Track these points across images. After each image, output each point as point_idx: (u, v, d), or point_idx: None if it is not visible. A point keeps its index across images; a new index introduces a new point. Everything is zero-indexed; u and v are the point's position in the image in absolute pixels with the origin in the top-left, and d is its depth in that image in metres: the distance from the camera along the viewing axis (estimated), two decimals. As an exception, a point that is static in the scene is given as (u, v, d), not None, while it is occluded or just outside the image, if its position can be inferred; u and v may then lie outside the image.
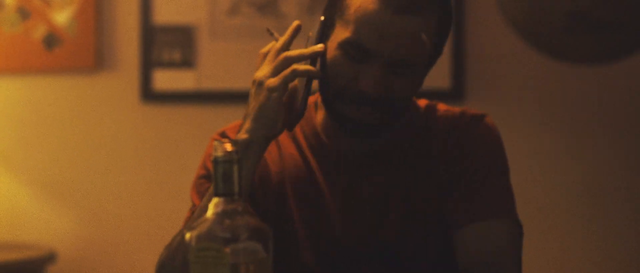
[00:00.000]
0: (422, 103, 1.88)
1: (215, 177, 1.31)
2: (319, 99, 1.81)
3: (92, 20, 3.63)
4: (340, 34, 1.70)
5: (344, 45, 1.69)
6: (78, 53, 3.63)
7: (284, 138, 1.85)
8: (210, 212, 1.31)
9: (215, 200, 1.31)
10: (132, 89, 3.66)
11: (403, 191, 1.80)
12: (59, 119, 3.67)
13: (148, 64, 3.64)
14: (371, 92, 1.68)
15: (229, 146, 1.31)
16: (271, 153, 1.84)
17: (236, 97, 3.62)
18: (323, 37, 1.73)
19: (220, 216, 1.30)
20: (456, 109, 1.86)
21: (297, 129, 1.85)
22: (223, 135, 1.85)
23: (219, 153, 1.31)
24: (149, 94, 3.65)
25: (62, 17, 3.64)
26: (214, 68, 3.64)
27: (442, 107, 1.86)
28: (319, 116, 1.84)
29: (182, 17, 3.63)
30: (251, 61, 3.63)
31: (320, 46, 1.71)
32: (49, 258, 3.48)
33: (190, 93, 3.64)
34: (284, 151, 1.84)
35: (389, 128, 1.78)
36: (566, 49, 3.20)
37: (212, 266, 1.28)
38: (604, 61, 3.32)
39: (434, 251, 1.80)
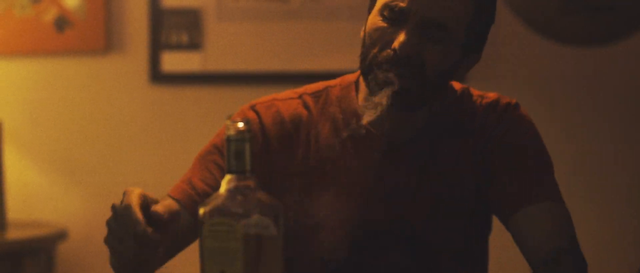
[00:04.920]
0: (457, 86, 1.85)
1: (227, 154, 1.33)
2: (360, 79, 1.79)
3: (101, 3, 3.64)
4: (380, 0, 1.73)
5: (382, 9, 1.71)
6: (88, 36, 3.65)
7: (318, 116, 1.82)
8: (223, 189, 1.33)
9: (227, 177, 1.33)
10: (141, 70, 3.68)
11: (434, 178, 1.79)
12: (69, 100, 3.68)
13: (156, 46, 3.65)
14: (400, 51, 1.68)
15: (241, 125, 1.33)
16: (300, 136, 1.81)
17: (242, 79, 3.65)
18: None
19: (233, 192, 1.32)
20: (490, 94, 1.84)
21: (336, 109, 1.82)
22: (253, 108, 1.85)
23: (232, 132, 1.33)
24: (158, 76, 3.67)
25: (72, 0, 3.67)
26: (221, 50, 3.65)
27: (475, 92, 1.85)
28: (360, 96, 1.80)
29: (190, 0, 3.66)
30: (258, 42, 3.66)
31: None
32: (60, 236, 3.51)
33: (197, 75, 3.66)
34: (317, 130, 1.81)
35: (424, 103, 1.76)
36: (562, 30, 3.22)
37: (224, 240, 1.30)
38: (600, 43, 3.35)
39: (461, 240, 1.81)
